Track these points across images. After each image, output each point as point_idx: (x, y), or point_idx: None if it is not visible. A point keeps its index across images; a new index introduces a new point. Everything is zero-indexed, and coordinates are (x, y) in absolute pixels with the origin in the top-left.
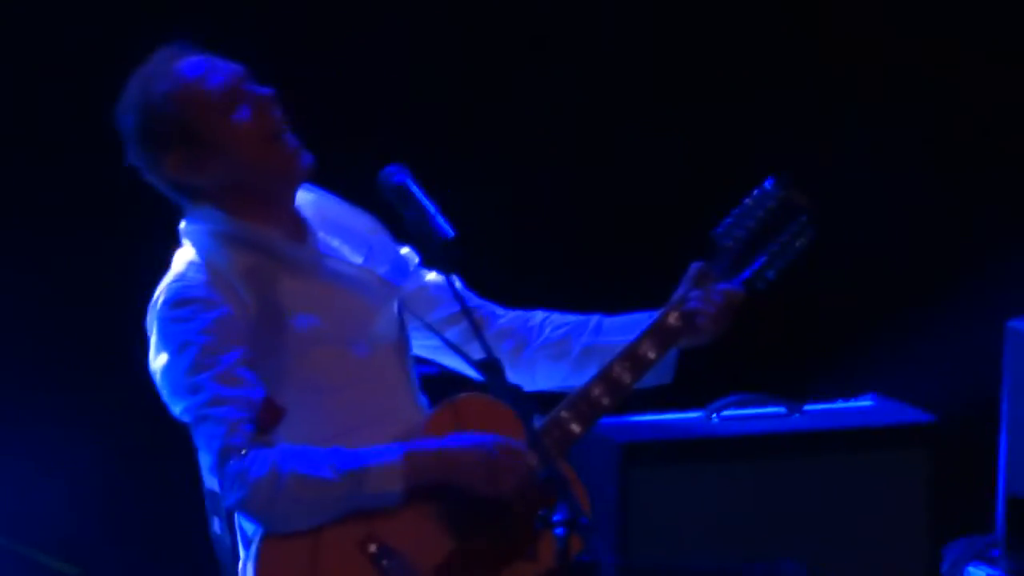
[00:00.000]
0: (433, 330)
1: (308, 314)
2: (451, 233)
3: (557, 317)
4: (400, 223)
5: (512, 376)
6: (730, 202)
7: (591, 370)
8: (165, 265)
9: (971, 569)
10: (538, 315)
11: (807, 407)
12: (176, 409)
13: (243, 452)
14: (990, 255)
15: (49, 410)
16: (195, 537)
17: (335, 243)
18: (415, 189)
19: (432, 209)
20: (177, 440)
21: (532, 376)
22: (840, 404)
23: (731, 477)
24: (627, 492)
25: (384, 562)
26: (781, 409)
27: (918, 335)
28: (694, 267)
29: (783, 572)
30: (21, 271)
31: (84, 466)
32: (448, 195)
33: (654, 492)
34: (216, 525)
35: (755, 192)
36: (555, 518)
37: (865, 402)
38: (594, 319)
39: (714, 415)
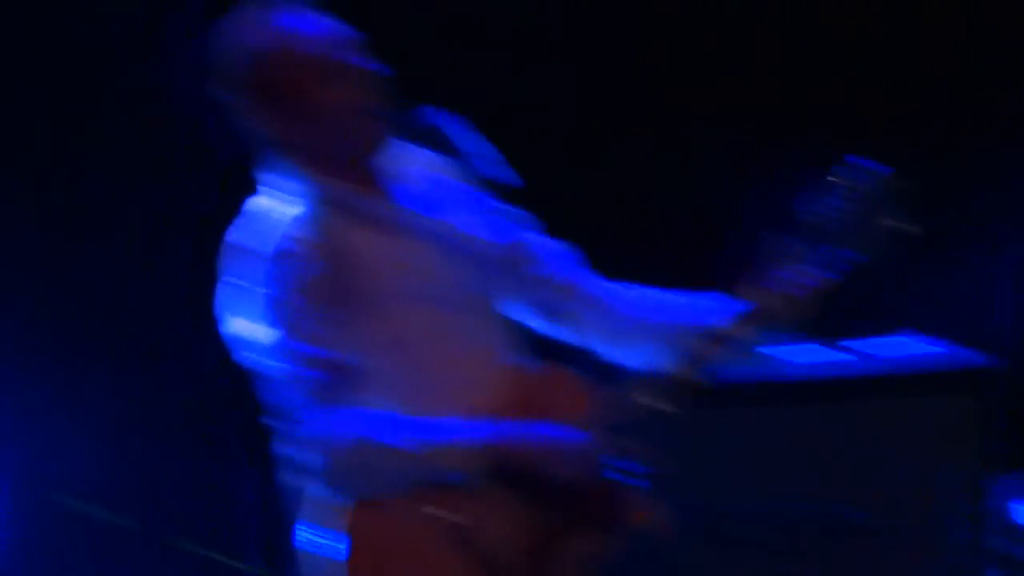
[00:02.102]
0: (512, 291)
1: (388, 270)
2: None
3: (650, 294)
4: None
5: (599, 349)
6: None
7: (674, 349)
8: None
9: (1018, 506)
10: (631, 292)
11: (848, 345)
12: (261, 364)
13: (318, 413)
14: None
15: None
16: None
17: (418, 197)
18: (451, 130)
19: (475, 150)
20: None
21: (618, 351)
22: (882, 343)
23: (775, 420)
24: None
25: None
26: (822, 349)
27: (959, 273)
28: (772, 244)
29: (833, 515)
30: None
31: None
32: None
33: (697, 435)
34: (287, 476)
35: (847, 172)
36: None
37: (907, 340)
38: (682, 299)
39: None
